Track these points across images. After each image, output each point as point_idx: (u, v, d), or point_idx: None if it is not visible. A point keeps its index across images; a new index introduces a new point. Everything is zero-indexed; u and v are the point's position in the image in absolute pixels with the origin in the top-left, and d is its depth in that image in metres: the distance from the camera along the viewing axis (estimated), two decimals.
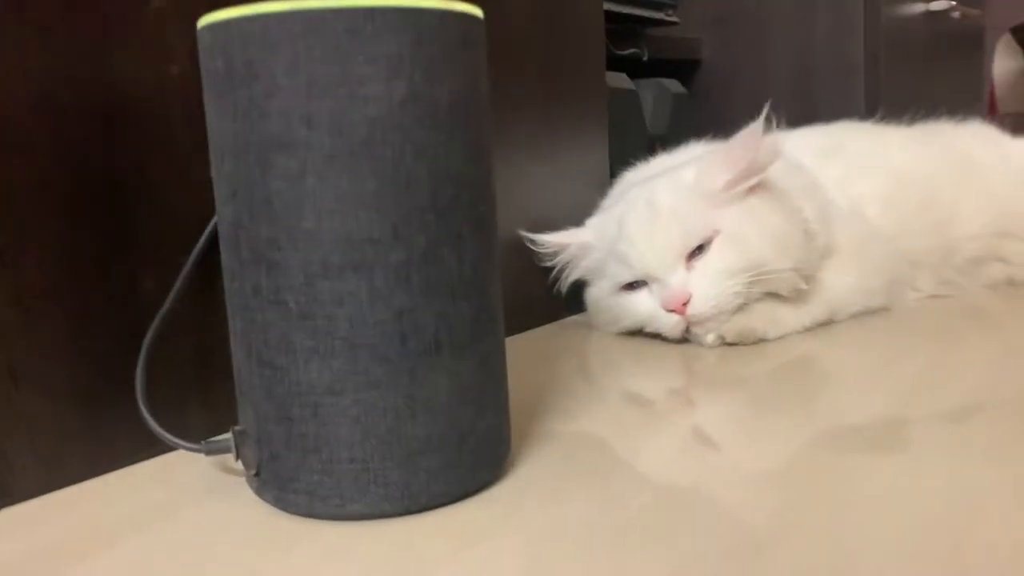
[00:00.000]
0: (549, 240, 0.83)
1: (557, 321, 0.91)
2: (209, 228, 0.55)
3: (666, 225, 0.74)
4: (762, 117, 0.75)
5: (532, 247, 0.84)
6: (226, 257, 0.45)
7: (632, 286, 0.78)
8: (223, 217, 0.45)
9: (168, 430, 0.50)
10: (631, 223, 0.77)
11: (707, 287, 0.73)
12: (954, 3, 1.83)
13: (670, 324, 0.75)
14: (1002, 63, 2.61)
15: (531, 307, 0.87)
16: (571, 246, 0.83)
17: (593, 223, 0.85)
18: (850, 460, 0.49)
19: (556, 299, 0.88)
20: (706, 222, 0.74)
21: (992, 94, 2.52)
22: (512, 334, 0.85)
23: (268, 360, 0.44)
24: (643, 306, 0.77)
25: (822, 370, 0.68)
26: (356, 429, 0.43)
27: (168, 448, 0.55)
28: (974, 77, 2.15)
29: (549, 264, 0.85)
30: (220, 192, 0.45)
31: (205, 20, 0.43)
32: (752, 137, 0.75)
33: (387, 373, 0.43)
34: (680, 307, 0.73)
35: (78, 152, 0.51)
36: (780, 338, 0.77)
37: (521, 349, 0.79)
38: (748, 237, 0.74)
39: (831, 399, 0.60)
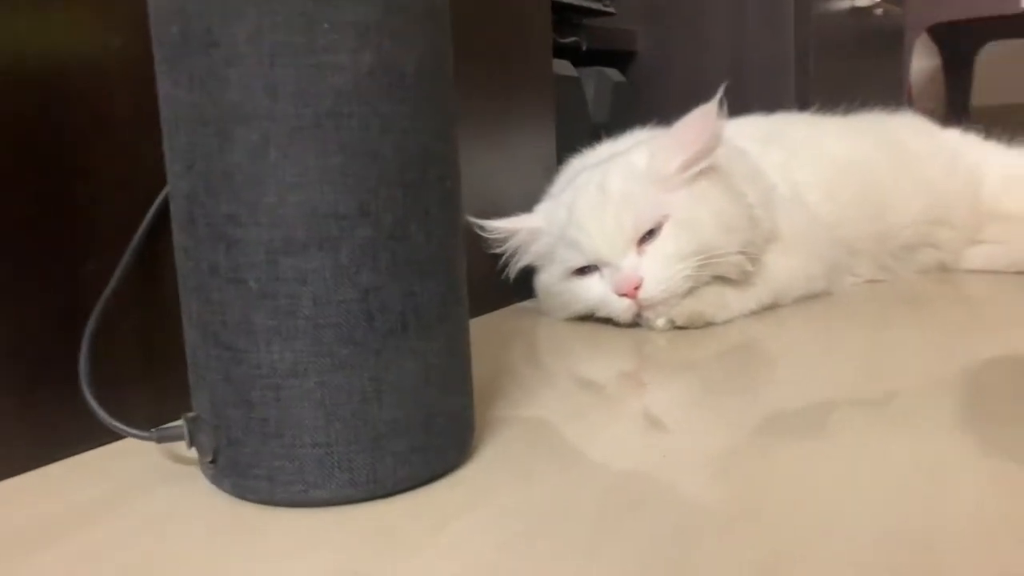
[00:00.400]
0: (499, 226, 0.82)
1: (506, 307, 0.90)
2: (155, 205, 0.53)
3: (617, 210, 0.74)
4: (716, 98, 0.75)
5: (481, 233, 0.83)
6: (180, 235, 0.43)
7: (583, 271, 0.78)
8: (177, 192, 0.43)
9: (114, 418, 0.47)
10: (582, 208, 0.76)
11: (658, 271, 0.73)
12: (878, 0, 1.88)
13: (621, 308, 0.75)
14: (919, 61, 2.71)
15: (479, 293, 0.86)
16: (521, 232, 0.82)
17: (543, 209, 0.85)
18: (800, 441, 0.49)
19: (504, 285, 0.87)
20: (657, 206, 0.74)
21: (909, 90, 2.61)
22: None
23: (226, 342, 0.42)
24: (594, 291, 0.77)
25: (769, 353, 0.69)
26: (320, 412, 0.42)
27: (110, 438, 0.53)
28: (896, 73, 2.22)
29: (498, 250, 0.84)
30: (174, 166, 0.43)
31: None
32: (706, 118, 0.75)
33: (353, 354, 0.41)
34: (632, 291, 0.74)
35: (11, 124, 0.48)
36: (728, 321, 0.78)
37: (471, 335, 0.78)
38: (698, 221, 0.74)
39: (780, 382, 0.61)
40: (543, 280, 0.83)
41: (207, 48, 0.40)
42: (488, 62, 0.86)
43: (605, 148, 0.91)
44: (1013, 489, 0.41)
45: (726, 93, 0.84)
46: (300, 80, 0.39)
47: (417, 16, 0.42)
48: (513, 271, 0.84)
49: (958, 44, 2.66)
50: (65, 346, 0.50)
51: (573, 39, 1.31)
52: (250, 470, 0.43)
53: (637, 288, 0.73)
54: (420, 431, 0.44)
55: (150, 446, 0.52)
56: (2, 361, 0.48)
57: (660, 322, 0.76)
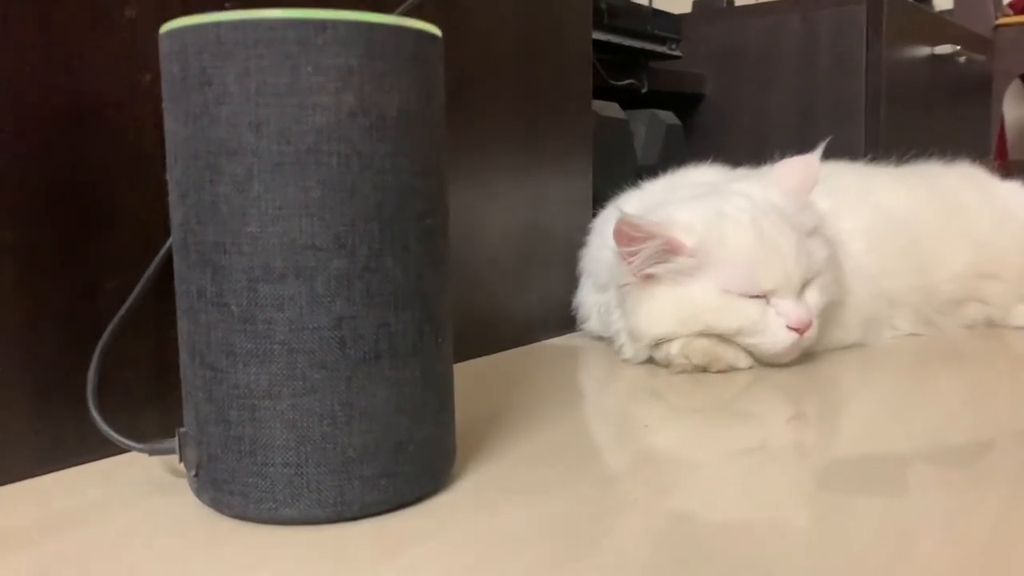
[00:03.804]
0: (645, 223, 0.73)
1: (533, 343, 0.91)
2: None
3: (799, 250, 0.75)
4: (820, 149, 0.82)
5: (625, 219, 0.73)
6: (176, 260, 0.46)
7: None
8: (174, 220, 0.46)
9: (123, 431, 0.50)
10: (772, 235, 0.74)
11: (814, 319, 0.76)
12: (959, 48, 1.83)
13: (787, 340, 0.74)
14: (1012, 110, 2.62)
15: (507, 328, 0.87)
16: (661, 239, 0.73)
17: (685, 220, 0.76)
18: (823, 495, 0.49)
19: (533, 321, 0.88)
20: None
21: (1001, 140, 2.52)
22: (484, 354, 0.85)
23: (210, 362, 0.44)
24: (751, 314, 0.74)
25: (788, 401, 0.68)
26: (291, 434, 0.43)
27: (121, 449, 0.56)
28: (981, 122, 2.15)
29: (627, 247, 0.74)
30: (172, 196, 0.46)
31: (166, 27, 0.44)
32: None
33: (324, 379, 0.43)
34: (805, 327, 0.74)
35: (43, 152, 0.52)
36: (750, 367, 0.77)
37: (489, 370, 0.80)
38: (830, 278, 0.78)
39: (799, 433, 0.60)
40: (658, 292, 0.76)
41: (201, 86, 0.42)
42: (525, 102, 0.88)
43: (710, 173, 0.92)
44: None
45: (794, 139, 0.85)
46: (283, 118, 0.42)
47: (402, 61, 0.44)
48: (639, 269, 0.75)
49: None
50: (83, 360, 0.54)
51: (629, 81, 1.33)
52: (226, 485, 0.45)
53: (809, 326, 0.74)
54: (390, 458, 0.45)
55: (155, 458, 0.55)
56: (20, 371, 0.51)
57: (679, 360, 0.75)
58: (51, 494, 0.50)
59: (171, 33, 0.44)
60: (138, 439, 0.50)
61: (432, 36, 0.46)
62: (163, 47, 0.45)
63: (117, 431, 0.50)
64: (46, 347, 0.52)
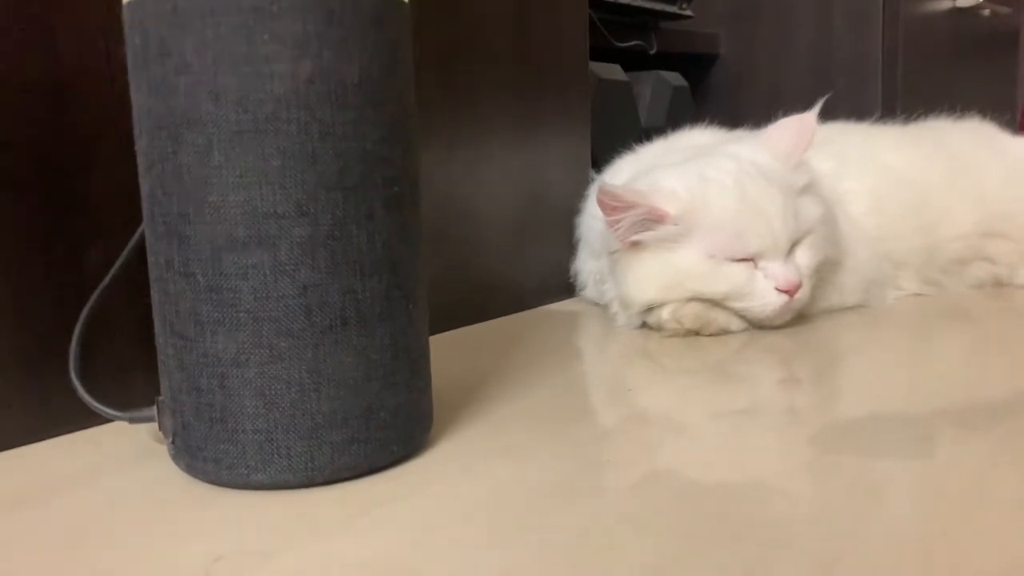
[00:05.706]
0: (624, 193, 0.73)
1: (531, 309, 0.91)
2: None
3: (789, 210, 0.74)
4: (817, 107, 0.80)
5: (605, 191, 0.73)
6: (146, 231, 0.47)
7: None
8: (143, 192, 0.46)
9: (115, 399, 0.51)
10: (758, 198, 0.73)
11: (805, 279, 0.75)
12: (983, 0, 1.78)
13: (777, 303, 0.73)
14: None
15: (505, 293, 0.88)
16: (643, 207, 0.72)
17: (668, 187, 0.75)
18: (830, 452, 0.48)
19: (531, 287, 0.88)
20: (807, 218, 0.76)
21: None
22: (481, 320, 0.85)
23: (179, 331, 0.45)
24: (739, 278, 0.73)
25: (771, 362, 0.68)
26: (260, 401, 0.44)
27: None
28: (1006, 80, 2.10)
29: (611, 217, 0.74)
30: (140, 167, 0.46)
31: None
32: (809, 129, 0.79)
33: (291, 347, 0.44)
34: (794, 289, 0.73)
35: (24, 122, 0.52)
36: (745, 330, 0.77)
37: (485, 336, 0.80)
38: (822, 238, 0.77)
39: (781, 393, 0.60)
40: (644, 259, 0.75)
41: (161, 57, 0.43)
42: (520, 64, 0.87)
43: (704, 136, 0.91)
44: None
45: (810, 99, 0.84)
46: (241, 87, 0.42)
47: (363, 27, 0.44)
48: (624, 237, 0.74)
49: None
50: (68, 330, 0.54)
51: (635, 43, 1.31)
52: (200, 452, 0.46)
53: (798, 288, 0.74)
54: (360, 423, 0.46)
55: (142, 426, 0.56)
56: (8, 341, 0.52)
57: (671, 325, 0.75)
58: (37, 462, 0.51)
59: (132, 5, 0.44)
60: (130, 407, 0.51)
61: (396, 1, 0.46)
62: (125, 18, 0.45)
63: (108, 399, 0.51)
64: (33, 317, 0.53)
